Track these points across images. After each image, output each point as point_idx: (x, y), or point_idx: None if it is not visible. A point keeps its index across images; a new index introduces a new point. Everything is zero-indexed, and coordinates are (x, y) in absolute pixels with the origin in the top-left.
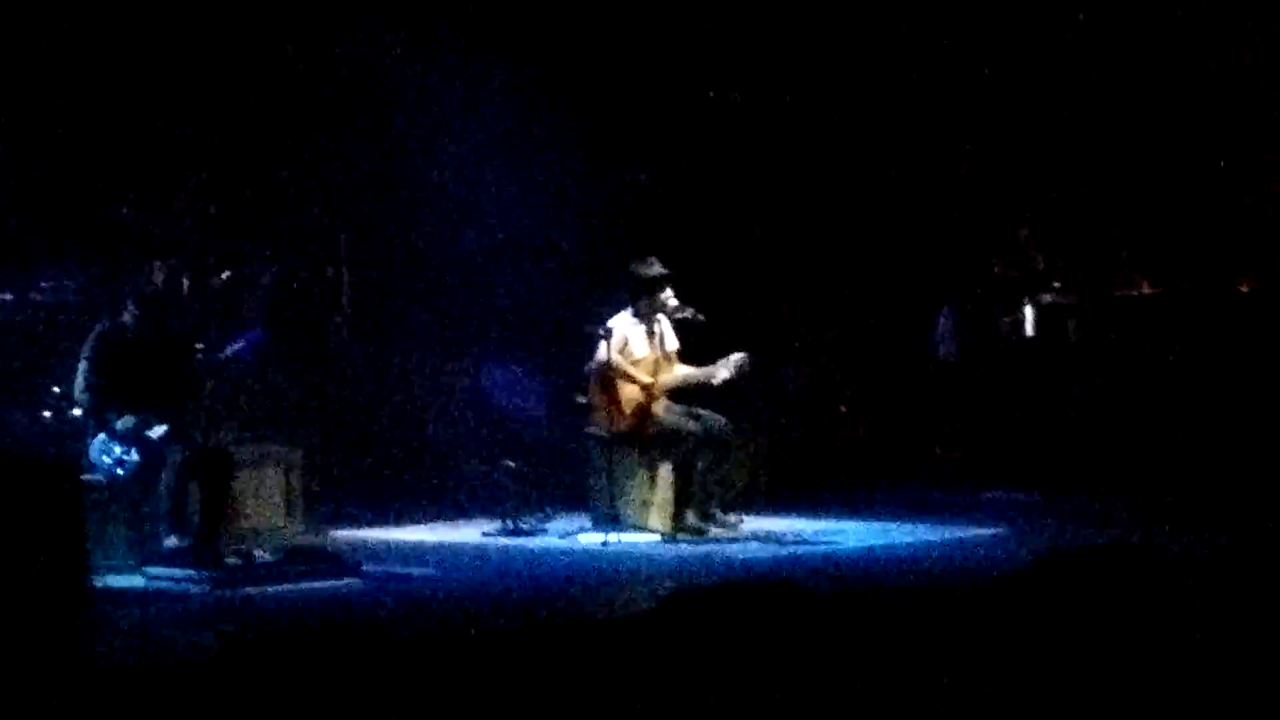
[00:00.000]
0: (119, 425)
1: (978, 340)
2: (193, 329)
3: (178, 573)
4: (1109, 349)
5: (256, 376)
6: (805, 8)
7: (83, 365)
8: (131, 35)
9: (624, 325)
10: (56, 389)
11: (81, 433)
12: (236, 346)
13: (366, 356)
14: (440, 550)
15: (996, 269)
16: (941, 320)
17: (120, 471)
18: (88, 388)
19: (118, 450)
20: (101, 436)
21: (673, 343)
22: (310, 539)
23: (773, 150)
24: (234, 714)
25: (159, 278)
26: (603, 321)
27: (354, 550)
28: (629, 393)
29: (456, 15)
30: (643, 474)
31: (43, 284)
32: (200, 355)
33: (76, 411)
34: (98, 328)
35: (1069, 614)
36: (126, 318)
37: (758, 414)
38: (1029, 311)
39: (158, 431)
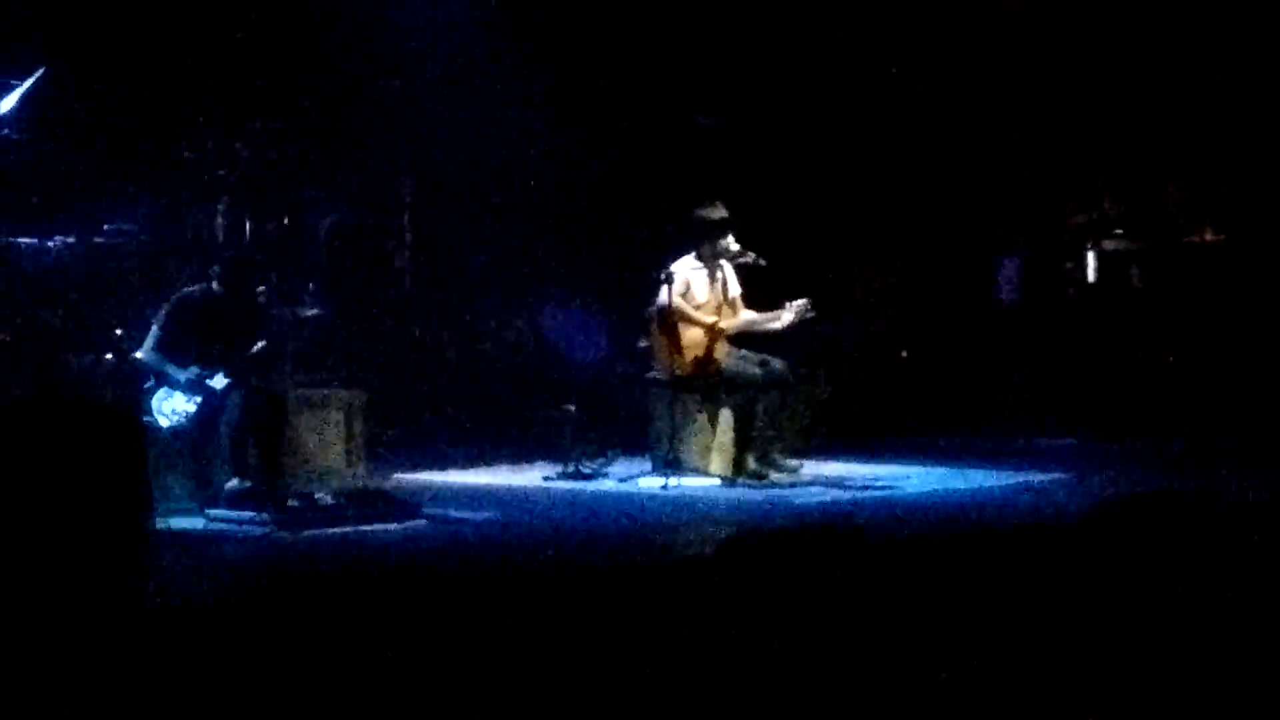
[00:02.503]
0: (181, 377)
1: (1041, 286)
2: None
3: (239, 515)
4: (1172, 295)
5: (320, 321)
6: None
7: (155, 328)
8: None
9: (686, 269)
10: (119, 331)
11: (140, 383)
12: (311, 313)
13: (429, 301)
14: (501, 494)
15: (1070, 216)
16: (1005, 266)
17: (180, 420)
18: (156, 347)
19: (178, 399)
20: (162, 389)
21: (735, 288)
22: (372, 482)
23: (838, 94)
24: (294, 654)
25: (221, 224)
26: (665, 266)
27: (415, 493)
28: (690, 337)
29: None
30: (703, 418)
31: (105, 226)
32: (262, 301)
33: (139, 355)
34: (180, 294)
35: (1130, 559)
36: (215, 285)
37: (819, 359)
38: (1091, 258)
39: (219, 381)
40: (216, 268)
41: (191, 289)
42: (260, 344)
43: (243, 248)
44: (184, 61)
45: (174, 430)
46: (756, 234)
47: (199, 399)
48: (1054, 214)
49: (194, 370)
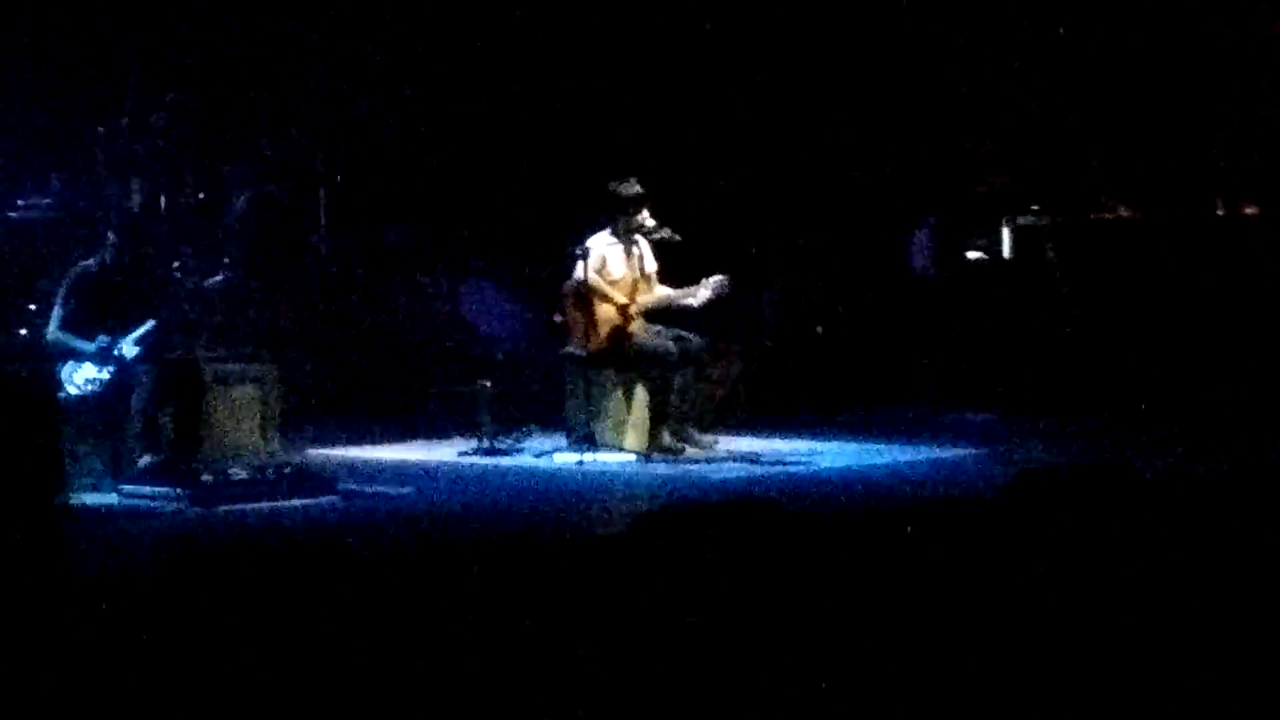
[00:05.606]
0: (90, 348)
1: (954, 260)
2: (169, 250)
3: (152, 490)
4: (1085, 272)
5: (234, 296)
6: None
7: (58, 307)
8: None
9: (602, 245)
10: (33, 306)
11: (53, 360)
12: (217, 280)
13: (344, 276)
14: (417, 470)
15: (980, 190)
16: (917, 238)
17: (94, 388)
18: (62, 326)
19: (88, 368)
20: (71, 360)
21: (651, 264)
22: (286, 457)
23: (750, 69)
24: (207, 631)
25: (137, 198)
26: (581, 241)
27: (330, 469)
28: (606, 313)
29: None
30: (619, 394)
31: (19, 202)
32: (177, 275)
33: (48, 336)
34: (76, 269)
35: (1044, 533)
36: (107, 253)
37: (734, 335)
38: (1006, 233)
39: (130, 349)
40: (109, 234)
41: (87, 261)
42: (148, 324)
43: (135, 215)
44: (100, 35)
45: (86, 399)
46: (673, 210)
47: (111, 368)
48: (964, 188)
49: (102, 339)
